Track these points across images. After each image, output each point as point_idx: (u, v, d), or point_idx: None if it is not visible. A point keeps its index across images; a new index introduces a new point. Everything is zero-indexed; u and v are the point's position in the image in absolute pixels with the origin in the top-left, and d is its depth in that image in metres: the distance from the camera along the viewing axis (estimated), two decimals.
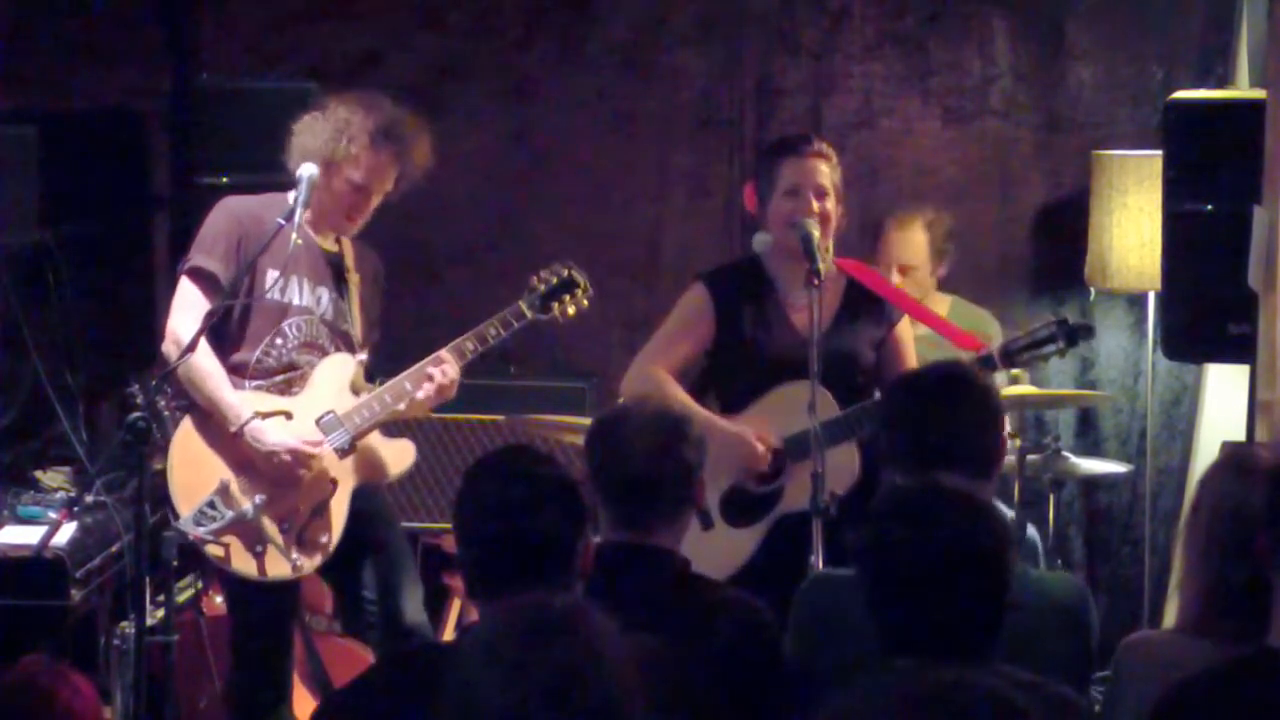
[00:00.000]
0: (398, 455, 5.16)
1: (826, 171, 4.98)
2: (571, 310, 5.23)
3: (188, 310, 4.89)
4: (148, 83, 6.70)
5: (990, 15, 6.70)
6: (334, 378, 5.04)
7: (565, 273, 5.22)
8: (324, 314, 5.03)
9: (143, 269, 6.74)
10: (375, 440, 5.09)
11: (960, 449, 3.66)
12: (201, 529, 4.84)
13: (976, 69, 6.72)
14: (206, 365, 4.87)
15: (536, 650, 2.45)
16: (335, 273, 5.07)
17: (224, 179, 6.13)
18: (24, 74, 6.58)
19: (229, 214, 4.98)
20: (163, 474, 4.90)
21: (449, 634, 6.17)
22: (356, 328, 5.10)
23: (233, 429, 4.88)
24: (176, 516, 4.84)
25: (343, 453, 5.00)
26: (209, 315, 4.78)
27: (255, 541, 4.90)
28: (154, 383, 4.65)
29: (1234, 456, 3.66)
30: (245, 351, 4.98)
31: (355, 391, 5.07)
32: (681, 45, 6.77)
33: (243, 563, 4.90)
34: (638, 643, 2.66)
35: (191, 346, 4.75)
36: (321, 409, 5.00)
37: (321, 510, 4.96)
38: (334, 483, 4.98)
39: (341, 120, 4.97)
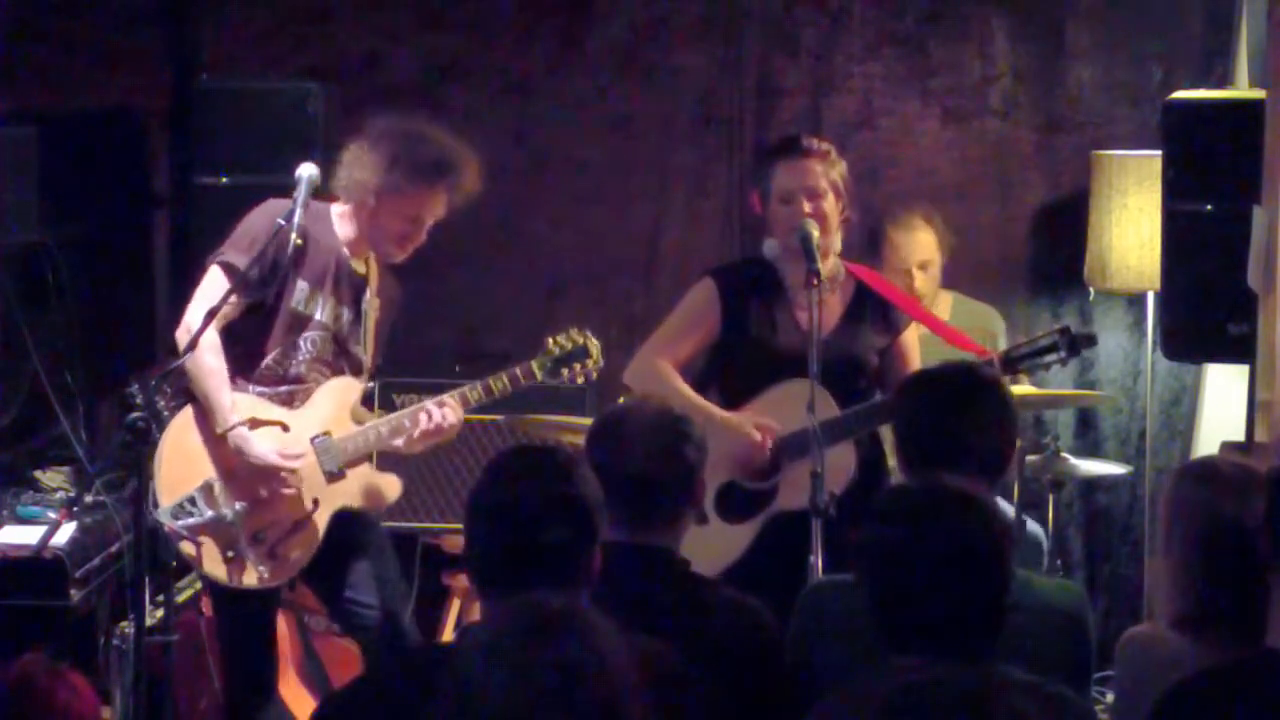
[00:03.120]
0: (383, 488, 5.12)
1: (821, 171, 4.97)
2: (580, 379, 5.23)
3: (208, 301, 4.85)
4: (148, 83, 6.70)
5: (990, 15, 6.69)
6: (335, 400, 5.03)
7: (581, 340, 5.20)
8: (339, 333, 5.02)
9: (143, 269, 6.74)
10: (364, 469, 5.08)
11: (966, 450, 3.66)
12: (178, 523, 4.83)
13: (976, 69, 6.72)
14: (210, 362, 4.86)
15: (536, 650, 2.45)
16: (357, 295, 5.06)
17: (224, 179, 6.14)
18: (24, 74, 6.58)
19: (271, 217, 4.93)
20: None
21: (449, 634, 6.17)
22: (367, 353, 5.09)
23: (219, 430, 4.87)
24: (156, 505, 4.82)
25: (331, 476, 4.98)
26: (209, 315, 4.77)
27: (228, 546, 4.88)
28: (154, 383, 4.64)
29: (1196, 468, 3.70)
30: (257, 354, 4.96)
31: (354, 417, 5.06)
32: (681, 45, 6.77)
33: (213, 565, 4.89)
34: (638, 643, 2.66)
35: (193, 345, 4.75)
36: (318, 428, 4.99)
37: (299, 528, 4.94)
38: (316, 503, 4.97)
39: (393, 154, 4.92)
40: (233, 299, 4.86)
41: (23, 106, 6.28)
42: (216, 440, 4.89)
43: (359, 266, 5.06)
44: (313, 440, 4.96)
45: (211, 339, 4.83)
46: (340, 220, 5.01)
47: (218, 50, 6.72)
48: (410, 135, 4.96)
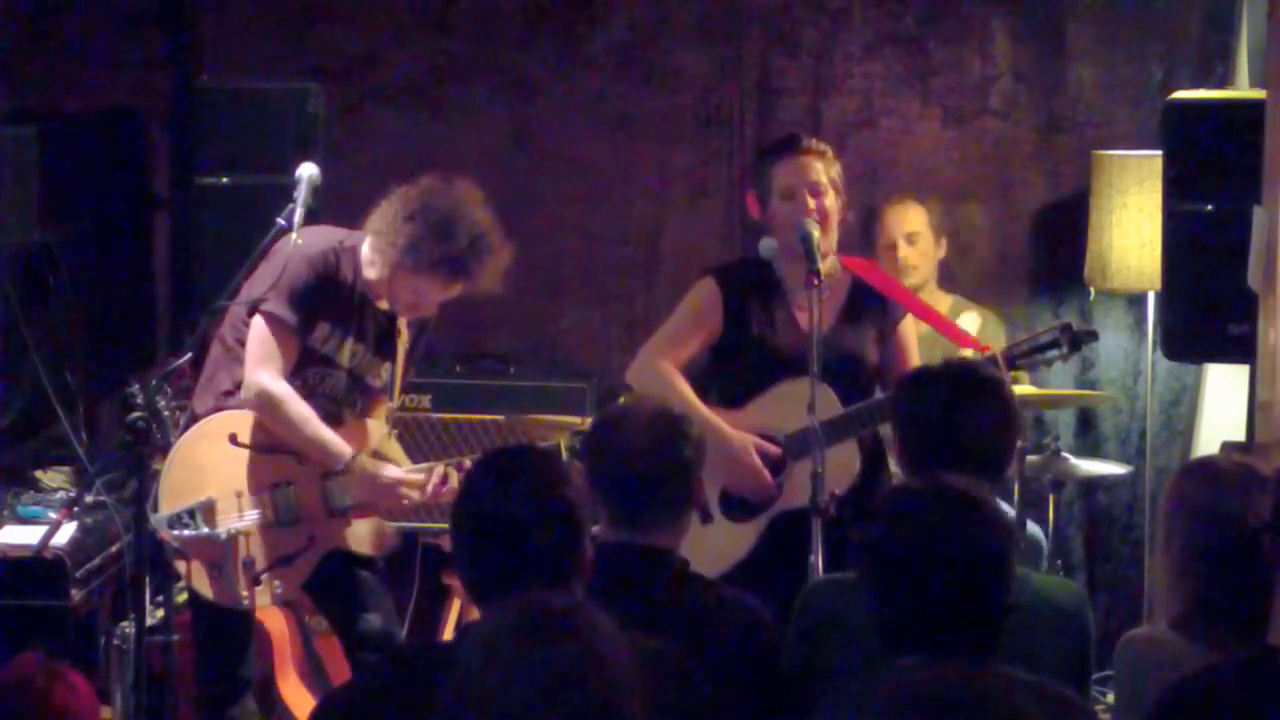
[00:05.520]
0: (379, 536, 5.08)
1: (821, 168, 4.97)
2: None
3: (268, 361, 4.84)
4: (148, 83, 6.70)
5: (990, 15, 6.70)
6: (361, 441, 5.01)
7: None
8: (354, 370, 4.99)
9: (143, 269, 6.74)
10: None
11: (967, 449, 3.65)
12: (172, 532, 4.83)
13: (976, 69, 6.72)
14: (302, 410, 4.85)
15: (536, 650, 2.45)
16: (382, 330, 5.02)
17: (224, 179, 6.14)
18: (24, 74, 6.58)
19: (311, 268, 4.87)
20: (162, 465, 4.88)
21: (449, 634, 6.17)
22: (395, 388, 5.08)
23: (338, 467, 4.87)
24: (155, 509, 4.81)
25: (333, 514, 4.96)
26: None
27: (216, 564, 4.85)
28: (154, 383, 4.63)
29: (1198, 467, 3.70)
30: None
31: (382, 453, 5.03)
32: (681, 45, 6.77)
33: (199, 579, 4.88)
34: (637, 643, 2.66)
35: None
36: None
37: (289, 560, 4.92)
38: (312, 539, 4.96)
39: (418, 235, 4.81)
40: (290, 350, 4.86)
41: (23, 106, 6.28)
42: (230, 460, 4.88)
43: (383, 305, 5.01)
44: (326, 477, 4.95)
45: (288, 389, 4.84)
46: (367, 262, 4.93)
47: (218, 50, 6.72)
48: (443, 223, 4.83)
